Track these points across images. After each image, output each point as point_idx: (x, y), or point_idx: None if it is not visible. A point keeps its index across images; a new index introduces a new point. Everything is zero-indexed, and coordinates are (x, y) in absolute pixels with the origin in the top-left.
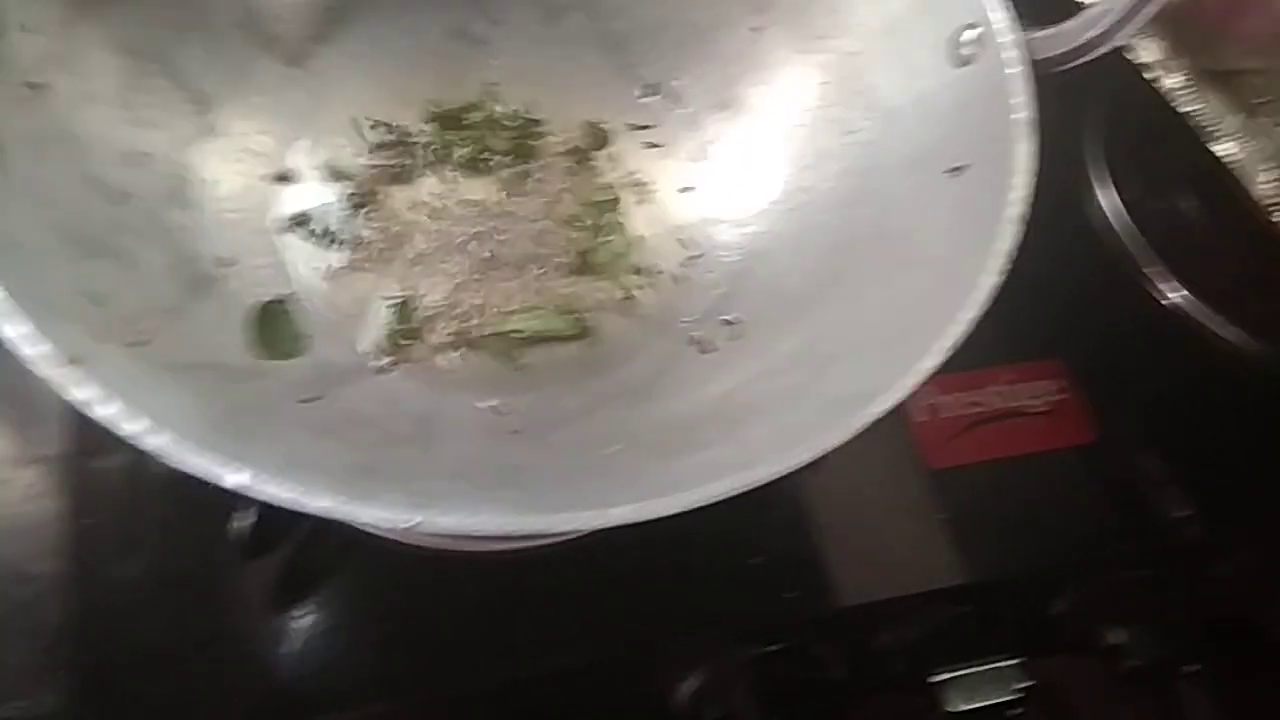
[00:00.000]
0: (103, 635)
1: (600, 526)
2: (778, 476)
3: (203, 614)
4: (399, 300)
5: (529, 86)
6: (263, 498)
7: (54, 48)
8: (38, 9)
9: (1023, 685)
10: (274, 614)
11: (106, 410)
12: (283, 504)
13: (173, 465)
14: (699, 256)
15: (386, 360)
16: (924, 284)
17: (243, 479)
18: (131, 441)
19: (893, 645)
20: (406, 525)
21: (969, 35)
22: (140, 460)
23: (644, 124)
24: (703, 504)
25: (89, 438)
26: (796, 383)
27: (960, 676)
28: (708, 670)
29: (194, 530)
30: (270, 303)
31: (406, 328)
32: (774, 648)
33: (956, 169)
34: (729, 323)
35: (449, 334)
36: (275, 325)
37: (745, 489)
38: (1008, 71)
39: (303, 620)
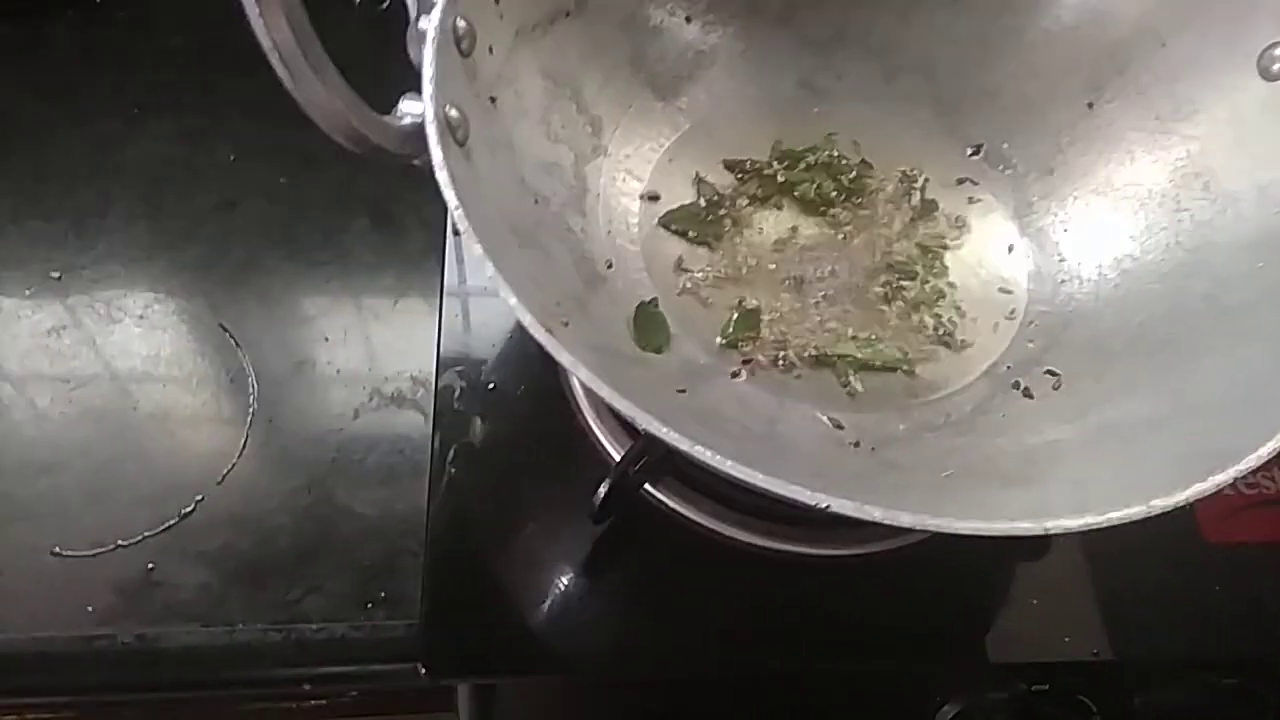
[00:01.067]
0: (446, 568)
1: (967, 533)
2: (1106, 525)
3: (539, 564)
4: (745, 313)
5: (864, 136)
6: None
7: (503, 68)
8: (498, 34)
9: None
10: (593, 574)
11: (581, 375)
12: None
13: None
14: (1019, 307)
15: (735, 365)
16: (1261, 362)
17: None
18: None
19: (1151, 705)
20: (814, 504)
21: None
22: (507, 419)
23: (970, 178)
24: (1037, 534)
25: (461, 395)
26: (1125, 439)
27: None
28: (971, 697)
29: (545, 490)
30: (644, 303)
31: (750, 339)
32: (1038, 688)
33: None
34: (1050, 373)
35: (787, 349)
36: (649, 323)
37: (1076, 529)
38: None
39: (614, 585)
